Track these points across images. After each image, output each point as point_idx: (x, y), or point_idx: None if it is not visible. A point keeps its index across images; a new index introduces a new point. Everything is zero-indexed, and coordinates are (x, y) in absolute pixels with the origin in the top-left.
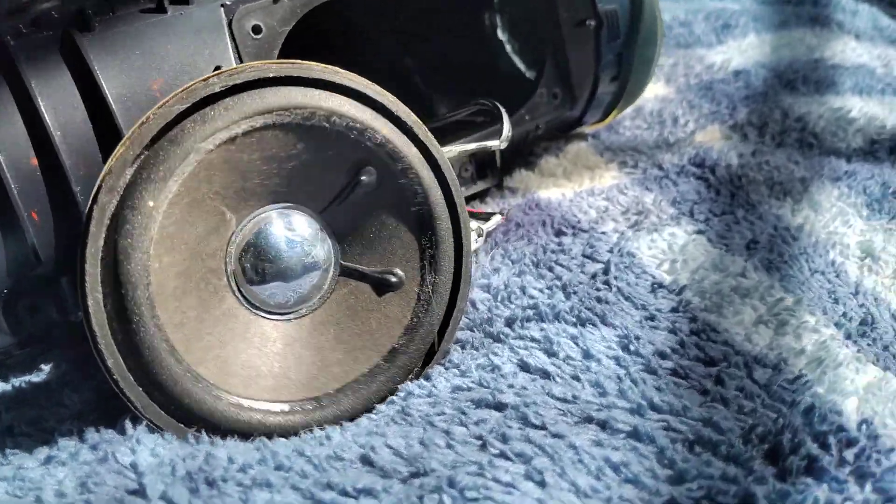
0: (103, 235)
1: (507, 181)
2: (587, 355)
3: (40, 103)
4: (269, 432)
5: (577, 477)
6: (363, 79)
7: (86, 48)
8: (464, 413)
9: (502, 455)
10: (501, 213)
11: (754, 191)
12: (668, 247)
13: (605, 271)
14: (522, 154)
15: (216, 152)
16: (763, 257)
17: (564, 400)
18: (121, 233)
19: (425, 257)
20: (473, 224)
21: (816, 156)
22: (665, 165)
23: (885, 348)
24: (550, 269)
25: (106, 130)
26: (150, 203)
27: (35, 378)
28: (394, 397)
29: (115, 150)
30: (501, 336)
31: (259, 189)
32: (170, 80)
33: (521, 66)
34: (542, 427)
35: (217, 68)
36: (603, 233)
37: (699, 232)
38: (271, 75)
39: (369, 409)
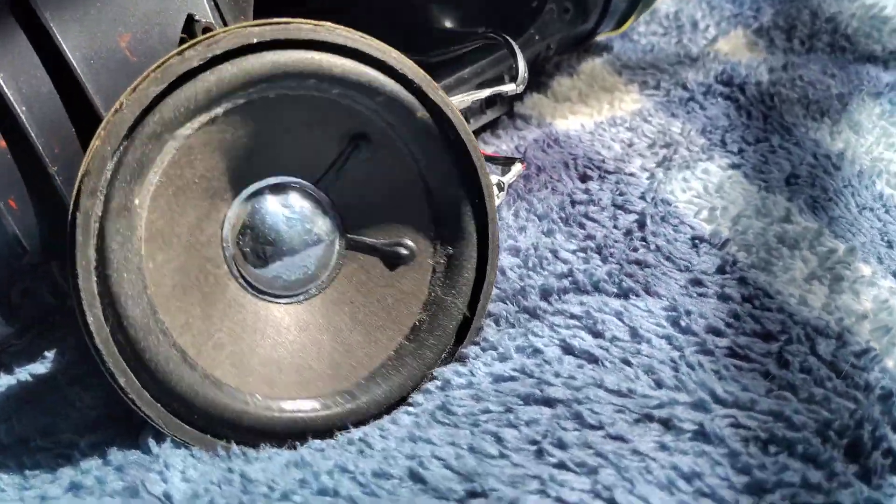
0: (92, 244)
1: (519, 107)
2: (635, 334)
3: None
4: (303, 432)
5: (649, 493)
6: (360, 34)
7: (38, 4)
8: (511, 411)
9: (562, 466)
10: (521, 160)
11: (788, 111)
12: (704, 188)
13: (641, 225)
14: (534, 75)
15: (196, 135)
16: (806, 195)
17: (619, 393)
18: (108, 239)
19: (440, 227)
20: (493, 178)
21: (851, 63)
22: (690, 85)
23: None
24: (581, 226)
25: (75, 99)
26: (136, 201)
27: (40, 368)
28: (430, 386)
29: (91, 146)
30: (539, 311)
31: (246, 166)
32: (139, 35)
33: None
34: (600, 427)
35: (190, 18)
36: (631, 174)
37: (734, 166)
38: (255, 41)
39: (405, 399)
